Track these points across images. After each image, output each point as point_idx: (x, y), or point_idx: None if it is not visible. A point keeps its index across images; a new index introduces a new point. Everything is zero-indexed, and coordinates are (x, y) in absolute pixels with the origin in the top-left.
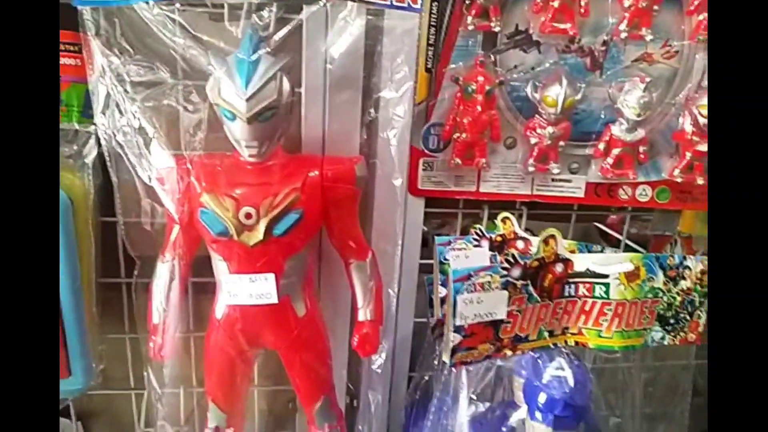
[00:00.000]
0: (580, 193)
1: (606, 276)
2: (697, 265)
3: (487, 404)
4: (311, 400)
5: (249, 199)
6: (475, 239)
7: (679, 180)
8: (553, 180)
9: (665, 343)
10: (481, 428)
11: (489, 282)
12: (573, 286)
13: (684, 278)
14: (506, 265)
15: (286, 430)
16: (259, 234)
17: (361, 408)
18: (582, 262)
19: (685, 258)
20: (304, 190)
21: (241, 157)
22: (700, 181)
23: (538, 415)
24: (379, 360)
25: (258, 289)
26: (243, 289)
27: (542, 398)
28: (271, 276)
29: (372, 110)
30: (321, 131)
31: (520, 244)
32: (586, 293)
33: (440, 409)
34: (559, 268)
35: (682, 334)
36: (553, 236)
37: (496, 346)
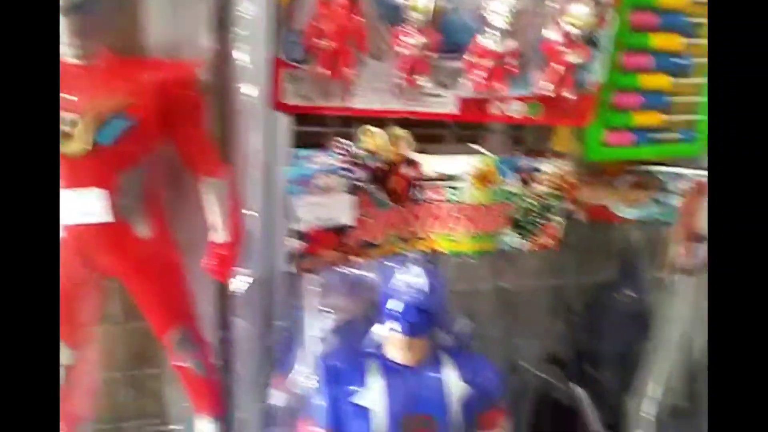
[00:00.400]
0: (455, 109)
1: (458, 179)
2: (552, 170)
3: (348, 318)
4: (165, 331)
5: (70, 103)
6: (339, 153)
7: (549, 93)
8: (424, 95)
9: (521, 248)
10: (342, 341)
11: (330, 185)
12: (423, 190)
13: (538, 182)
14: (351, 167)
15: (152, 367)
16: (82, 142)
17: (231, 337)
18: (430, 163)
19: (538, 161)
20: (137, 96)
21: (62, 56)
22: (570, 95)
23: (391, 322)
24: (244, 285)
25: (85, 205)
26: (69, 206)
27: (395, 305)
28: (100, 191)
29: (221, 11)
30: (162, 33)
31: None
32: (437, 197)
33: (295, 323)
34: (407, 170)
35: (537, 238)
36: (400, 137)
37: (342, 252)
